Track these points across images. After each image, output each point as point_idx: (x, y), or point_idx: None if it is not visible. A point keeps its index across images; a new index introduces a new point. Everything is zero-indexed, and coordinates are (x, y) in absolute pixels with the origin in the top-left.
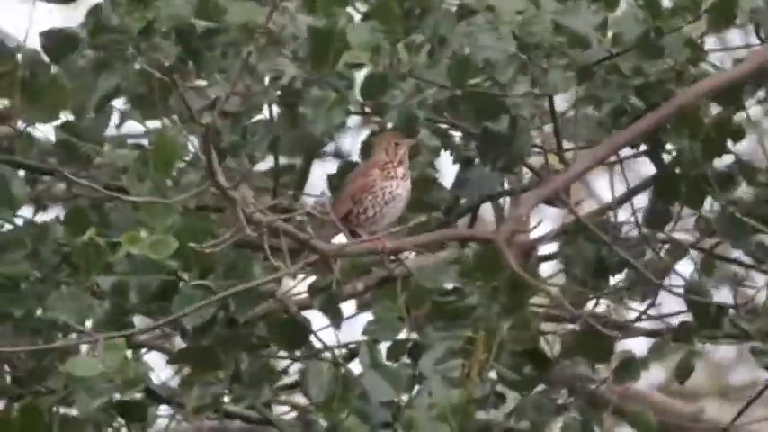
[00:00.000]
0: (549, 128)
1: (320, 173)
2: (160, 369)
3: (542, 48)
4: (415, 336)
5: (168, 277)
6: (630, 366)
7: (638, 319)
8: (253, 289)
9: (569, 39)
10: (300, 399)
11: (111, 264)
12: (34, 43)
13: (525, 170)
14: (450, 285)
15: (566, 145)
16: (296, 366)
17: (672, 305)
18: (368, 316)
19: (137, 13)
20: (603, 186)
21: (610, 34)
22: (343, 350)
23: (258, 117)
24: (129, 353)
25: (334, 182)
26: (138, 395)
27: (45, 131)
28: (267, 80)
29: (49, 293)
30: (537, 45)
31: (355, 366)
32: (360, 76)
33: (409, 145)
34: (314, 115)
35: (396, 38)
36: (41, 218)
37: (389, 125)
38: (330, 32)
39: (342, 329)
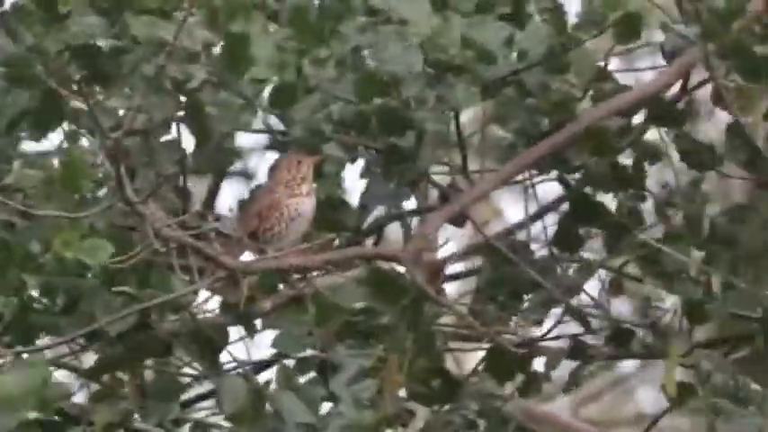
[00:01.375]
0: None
1: (226, 193)
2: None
3: (449, 62)
4: (322, 352)
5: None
6: (534, 383)
7: (543, 338)
8: (171, 299)
9: (477, 53)
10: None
11: (42, 265)
12: None
13: (431, 188)
14: (359, 304)
15: (473, 165)
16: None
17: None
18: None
19: (52, 34)
20: (509, 206)
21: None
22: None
23: (166, 137)
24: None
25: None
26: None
27: None
28: (170, 86)
29: None
30: (444, 60)
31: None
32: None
33: (312, 162)
34: (219, 115)
35: (304, 52)
36: None
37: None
38: (241, 40)
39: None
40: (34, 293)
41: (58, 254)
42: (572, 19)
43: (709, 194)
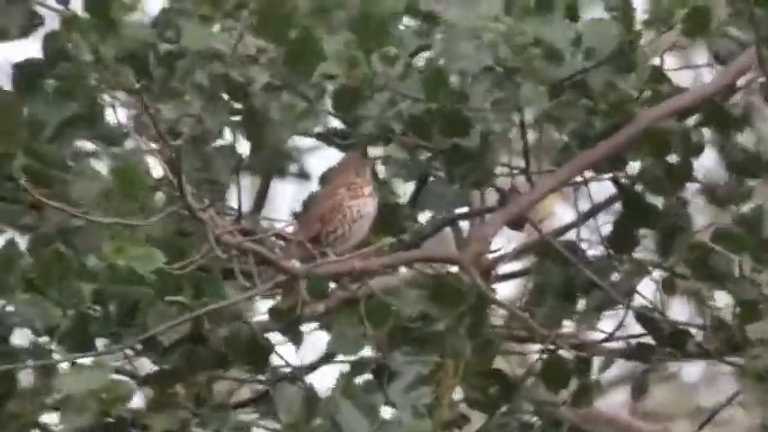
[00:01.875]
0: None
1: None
2: None
3: (518, 61)
4: (377, 355)
5: (146, 289)
6: (586, 392)
7: (605, 340)
8: (225, 307)
9: (544, 52)
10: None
11: (95, 273)
12: None
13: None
14: (415, 311)
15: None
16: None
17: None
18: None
19: (110, 40)
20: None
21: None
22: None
23: (221, 142)
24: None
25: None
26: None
27: None
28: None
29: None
30: (513, 59)
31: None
32: (331, 89)
33: (373, 164)
34: (282, 119)
35: (371, 49)
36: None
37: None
38: (307, 40)
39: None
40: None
41: (111, 262)
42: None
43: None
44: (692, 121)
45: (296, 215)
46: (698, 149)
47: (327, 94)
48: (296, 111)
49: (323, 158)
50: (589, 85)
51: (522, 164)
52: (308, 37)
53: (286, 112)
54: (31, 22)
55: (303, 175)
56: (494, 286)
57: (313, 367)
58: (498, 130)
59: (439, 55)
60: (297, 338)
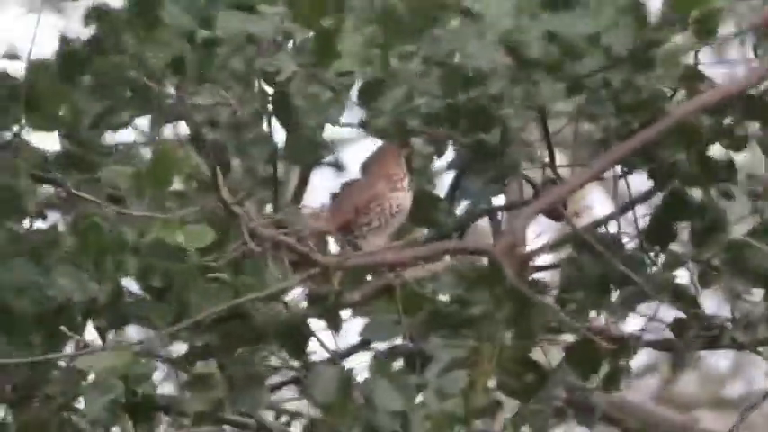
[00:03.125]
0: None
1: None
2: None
3: (534, 60)
4: (411, 342)
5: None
6: (616, 377)
7: (640, 333)
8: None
9: (562, 49)
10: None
11: (138, 247)
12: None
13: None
14: (449, 296)
15: (562, 160)
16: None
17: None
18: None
19: (151, 37)
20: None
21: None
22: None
23: (257, 131)
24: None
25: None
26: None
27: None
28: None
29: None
30: (529, 56)
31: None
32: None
33: (410, 155)
34: (308, 108)
35: (389, 46)
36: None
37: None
38: (330, 35)
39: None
40: (130, 279)
41: (160, 238)
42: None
43: None
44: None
45: (332, 199)
46: (740, 143)
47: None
48: (321, 100)
49: (359, 150)
50: (612, 83)
51: (562, 158)
52: (328, 32)
53: (312, 100)
54: None
55: (338, 166)
56: (533, 277)
57: (349, 353)
58: (516, 126)
59: (456, 52)
60: (335, 324)
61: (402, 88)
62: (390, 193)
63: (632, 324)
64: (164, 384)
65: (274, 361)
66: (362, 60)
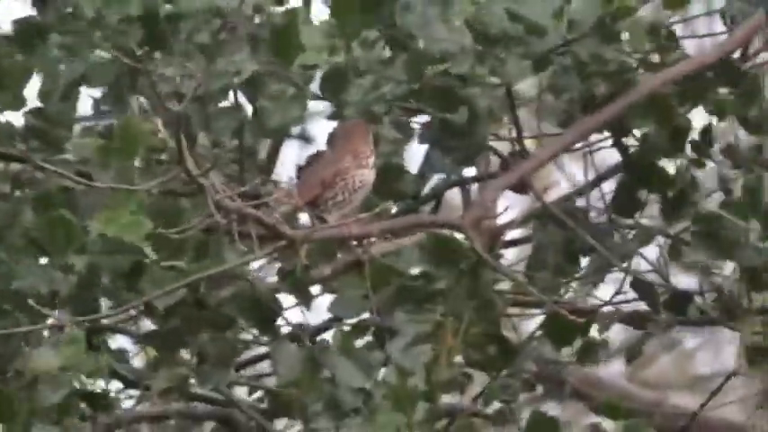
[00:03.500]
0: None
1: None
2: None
3: (498, 37)
4: (378, 316)
5: (138, 257)
6: (591, 349)
7: (602, 306)
8: (222, 271)
9: (525, 27)
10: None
11: (85, 244)
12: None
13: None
14: (417, 270)
15: (530, 133)
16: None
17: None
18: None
19: (114, 5)
20: (567, 174)
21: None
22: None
23: (224, 103)
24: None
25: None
26: (101, 385)
27: (10, 117)
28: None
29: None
30: (492, 35)
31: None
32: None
33: (375, 131)
34: (272, 108)
35: (351, 35)
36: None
37: None
38: (290, 27)
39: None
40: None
41: (101, 232)
42: None
43: None
44: None
45: (298, 174)
46: (720, 115)
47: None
48: (285, 97)
49: (327, 122)
50: (579, 56)
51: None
52: (286, 27)
53: (276, 100)
54: None
55: (305, 138)
56: (501, 251)
57: (318, 329)
58: (483, 105)
59: (418, 36)
60: (306, 299)
61: (368, 78)
62: (356, 169)
63: (603, 296)
64: (133, 359)
65: (246, 336)
66: (326, 51)
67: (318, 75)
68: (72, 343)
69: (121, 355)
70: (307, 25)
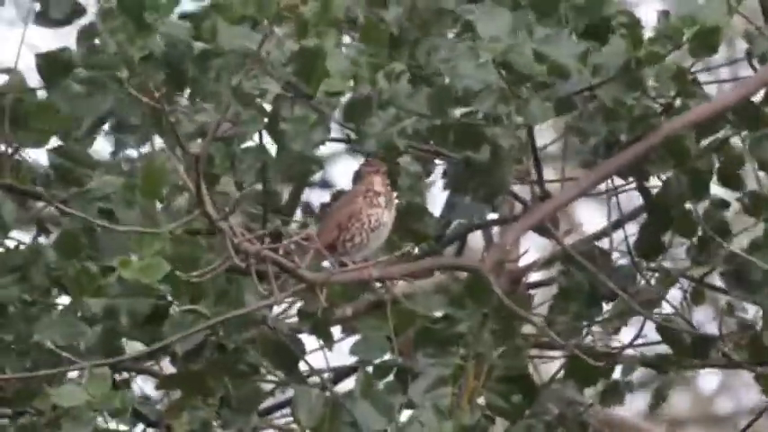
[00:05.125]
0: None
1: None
2: (150, 392)
3: (523, 77)
4: (401, 359)
5: (159, 302)
6: (615, 391)
7: (624, 348)
8: (243, 315)
9: (549, 68)
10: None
11: (103, 287)
12: (25, 67)
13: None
14: (439, 312)
15: (551, 176)
16: (283, 389)
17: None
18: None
19: (138, 41)
20: (590, 216)
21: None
22: (330, 374)
23: (248, 143)
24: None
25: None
26: (124, 427)
27: (35, 155)
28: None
29: (38, 317)
30: (518, 74)
31: (342, 389)
32: (343, 100)
33: (384, 173)
34: (294, 132)
35: (377, 65)
36: (43, 242)
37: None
38: (316, 54)
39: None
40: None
41: (120, 275)
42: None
43: None
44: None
45: (318, 219)
46: (738, 163)
47: (339, 107)
48: (308, 122)
49: (347, 166)
50: (602, 101)
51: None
52: (314, 52)
53: (298, 124)
54: (74, 10)
55: (325, 184)
56: (529, 293)
57: (344, 372)
58: (505, 145)
59: (444, 71)
60: (328, 340)
61: (390, 109)
62: (369, 208)
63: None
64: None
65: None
66: (350, 79)
67: (342, 103)
68: (98, 380)
69: (144, 398)
70: (334, 51)
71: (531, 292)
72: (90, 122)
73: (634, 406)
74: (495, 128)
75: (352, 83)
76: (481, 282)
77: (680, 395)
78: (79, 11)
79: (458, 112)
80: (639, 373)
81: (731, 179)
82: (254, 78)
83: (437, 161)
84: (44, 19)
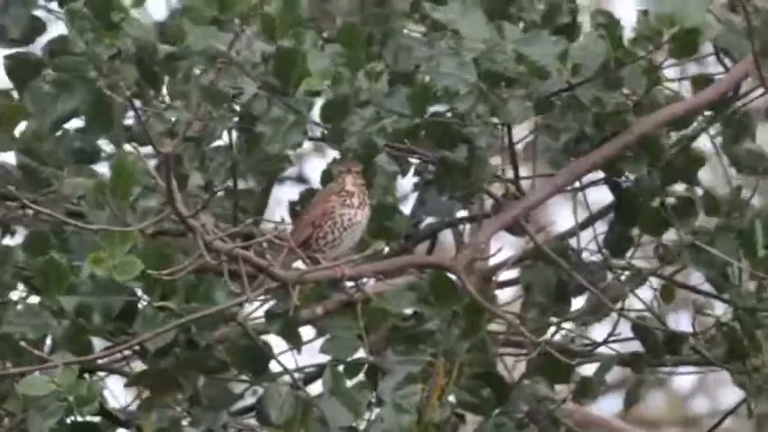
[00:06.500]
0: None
1: (278, 197)
2: (120, 393)
3: (503, 77)
4: (372, 357)
5: (130, 298)
6: (589, 387)
7: (598, 346)
8: (214, 313)
9: (529, 68)
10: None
11: (74, 285)
12: None
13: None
14: (409, 310)
15: (525, 173)
16: (252, 390)
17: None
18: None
19: (106, 40)
20: (563, 214)
21: (570, 64)
22: (301, 374)
23: (218, 143)
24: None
25: (296, 208)
26: (94, 418)
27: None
28: (226, 104)
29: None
30: (498, 74)
31: (313, 389)
32: (321, 100)
33: (358, 173)
34: (271, 134)
35: (356, 65)
36: (9, 242)
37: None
38: (294, 53)
39: (301, 353)
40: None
41: (92, 273)
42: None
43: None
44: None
45: (292, 216)
46: (698, 162)
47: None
48: (285, 124)
49: (320, 162)
50: (579, 99)
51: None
52: (292, 51)
53: (275, 125)
54: (33, 27)
55: (301, 180)
56: (495, 292)
57: (316, 372)
58: (483, 144)
59: (424, 71)
60: (296, 342)
61: (369, 108)
62: (342, 208)
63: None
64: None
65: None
66: (330, 78)
67: (319, 103)
68: (65, 370)
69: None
70: (312, 51)
71: (503, 290)
72: (53, 121)
73: (609, 405)
74: (473, 127)
75: (331, 82)
76: (448, 280)
77: (655, 395)
78: (38, 28)
79: (431, 110)
80: (615, 373)
81: (688, 176)
82: (228, 78)
83: (411, 159)
84: (2, 39)
